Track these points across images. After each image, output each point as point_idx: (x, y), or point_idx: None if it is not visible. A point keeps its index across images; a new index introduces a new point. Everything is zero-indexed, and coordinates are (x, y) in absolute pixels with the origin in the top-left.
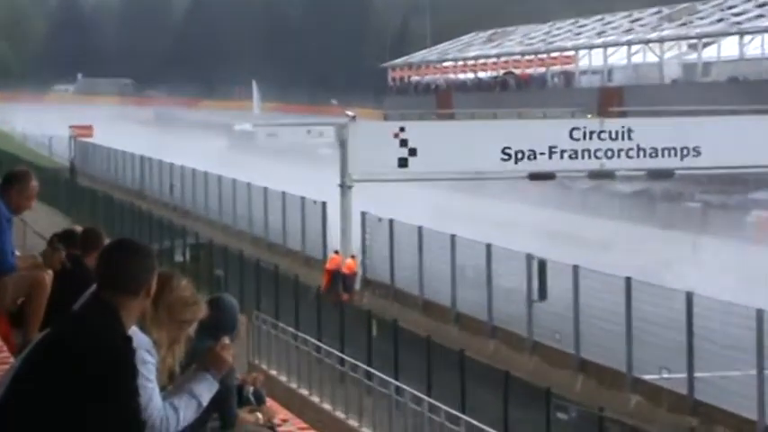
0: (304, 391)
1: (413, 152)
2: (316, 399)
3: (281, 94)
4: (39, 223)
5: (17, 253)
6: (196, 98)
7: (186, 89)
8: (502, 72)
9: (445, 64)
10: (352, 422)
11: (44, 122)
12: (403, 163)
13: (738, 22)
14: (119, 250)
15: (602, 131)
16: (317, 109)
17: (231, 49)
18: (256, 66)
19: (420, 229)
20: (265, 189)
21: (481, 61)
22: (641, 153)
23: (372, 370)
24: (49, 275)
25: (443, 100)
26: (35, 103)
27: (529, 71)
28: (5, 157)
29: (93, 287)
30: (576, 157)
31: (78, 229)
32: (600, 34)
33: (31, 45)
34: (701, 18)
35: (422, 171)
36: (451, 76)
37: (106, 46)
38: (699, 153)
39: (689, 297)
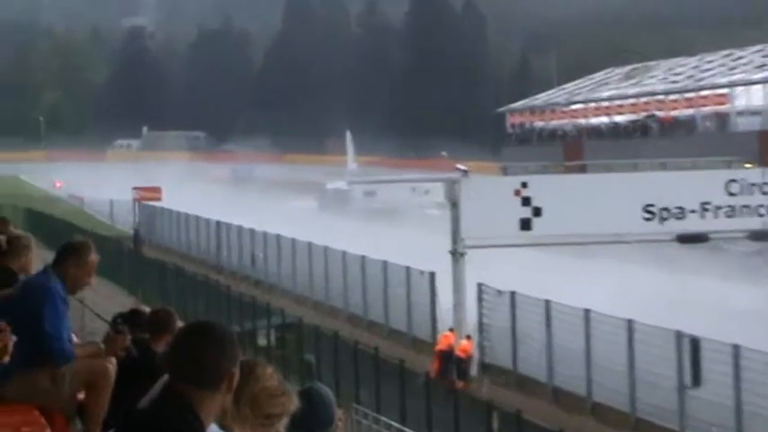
0: None
1: (537, 212)
2: None
3: (380, 146)
4: (99, 303)
5: (75, 339)
6: (280, 153)
7: (268, 142)
8: (642, 115)
9: (574, 107)
10: None
11: (104, 184)
12: (525, 225)
13: None
14: (194, 335)
15: (764, 183)
16: (423, 163)
17: (320, 95)
18: (350, 113)
19: (548, 303)
20: (363, 258)
21: (617, 102)
22: None
23: None
24: (112, 364)
25: (573, 149)
26: (94, 162)
27: (674, 113)
28: (60, 225)
29: (165, 378)
30: (734, 215)
31: (145, 309)
32: (759, 68)
33: (90, 94)
34: None
35: (548, 234)
36: (582, 120)
37: (175, 94)
38: None
39: None
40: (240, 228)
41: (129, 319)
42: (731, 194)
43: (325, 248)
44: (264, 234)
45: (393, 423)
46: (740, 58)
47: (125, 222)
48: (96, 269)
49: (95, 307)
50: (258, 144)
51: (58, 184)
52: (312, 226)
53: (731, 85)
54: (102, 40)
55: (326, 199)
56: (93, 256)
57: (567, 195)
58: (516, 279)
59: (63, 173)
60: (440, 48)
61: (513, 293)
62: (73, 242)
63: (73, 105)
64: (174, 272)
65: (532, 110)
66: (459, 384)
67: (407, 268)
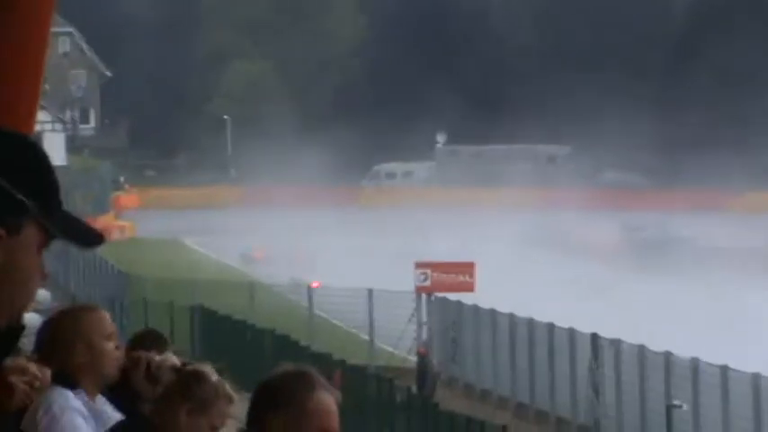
0: None
1: None
2: None
3: None
4: None
5: None
6: (731, 189)
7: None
8: None
9: None
10: None
11: (351, 253)
12: None
13: None
14: None
15: None
16: None
17: None
18: None
19: None
20: None
21: None
22: None
23: None
24: None
25: None
26: (332, 206)
27: None
28: (267, 344)
29: None
30: None
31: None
32: None
33: (339, 68)
34: None
35: None
36: None
37: (509, 68)
38: None
39: None
40: (643, 350)
41: None
42: None
43: None
44: (694, 365)
45: None
46: None
47: (399, 338)
48: (335, 418)
49: None
50: (686, 174)
51: (257, 254)
52: None
53: None
54: None
55: None
56: (323, 397)
57: None
58: None
59: (270, 228)
60: None
61: None
62: (274, 379)
63: (288, 90)
64: None
65: None
66: None
67: None
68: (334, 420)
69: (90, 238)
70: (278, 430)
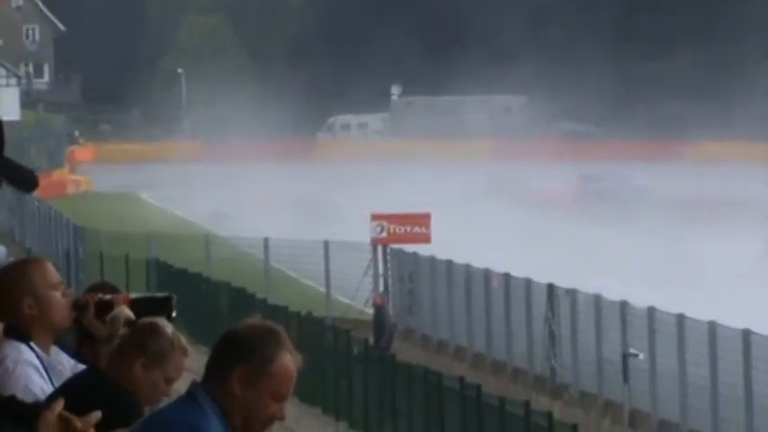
0: None
1: None
2: None
3: None
4: None
5: None
6: (685, 138)
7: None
8: None
9: None
10: None
11: (305, 206)
12: None
13: None
14: None
15: None
16: None
17: None
18: None
19: None
20: None
21: None
22: None
23: None
24: None
25: None
26: (286, 160)
27: None
28: (224, 298)
29: None
30: None
31: None
32: None
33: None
34: None
35: None
36: None
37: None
38: None
39: None
40: (599, 299)
41: None
42: None
43: None
44: (650, 314)
45: None
46: None
47: (355, 290)
48: (292, 383)
49: None
50: (641, 123)
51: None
52: None
53: None
54: None
55: None
56: (287, 360)
57: None
58: None
59: (228, 182)
60: None
61: None
62: (242, 332)
63: (242, 42)
64: (456, 394)
65: None
66: None
67: None
68: (291, 385)
69: (29, 182)
70: (238, 383)
